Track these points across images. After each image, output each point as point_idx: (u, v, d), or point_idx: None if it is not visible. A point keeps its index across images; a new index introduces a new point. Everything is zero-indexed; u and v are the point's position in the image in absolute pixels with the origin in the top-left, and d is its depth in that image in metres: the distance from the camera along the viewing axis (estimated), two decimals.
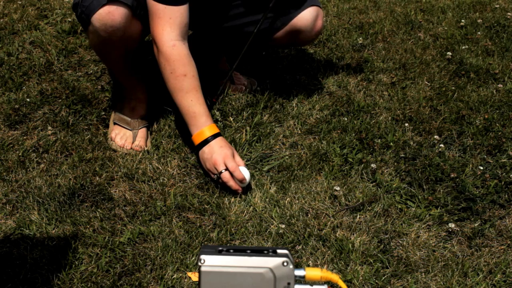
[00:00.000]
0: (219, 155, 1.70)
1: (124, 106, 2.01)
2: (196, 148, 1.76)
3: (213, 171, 1.72)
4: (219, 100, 2.10)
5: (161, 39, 1.70)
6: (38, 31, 2.58)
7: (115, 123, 1.99)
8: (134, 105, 2.00)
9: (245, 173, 1.72)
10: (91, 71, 2.32)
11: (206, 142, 1.73)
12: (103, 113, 2.08)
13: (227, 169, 1.69)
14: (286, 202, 1.72)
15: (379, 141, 2.01)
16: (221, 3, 1.96)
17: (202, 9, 1.89)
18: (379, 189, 1.80)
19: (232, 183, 1.70)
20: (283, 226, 1.63)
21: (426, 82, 2.40)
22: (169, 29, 1.69)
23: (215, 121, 1.99)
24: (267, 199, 1.73)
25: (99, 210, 1.65)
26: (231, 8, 1.98)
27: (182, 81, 1.72)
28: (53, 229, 1.59)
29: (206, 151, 1.73)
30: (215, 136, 1.73)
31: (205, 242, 1.57)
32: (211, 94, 2.05)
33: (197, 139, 1.75)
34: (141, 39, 1.87)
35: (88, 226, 1.60)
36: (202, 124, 1.74)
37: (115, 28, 1.68)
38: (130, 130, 1.96)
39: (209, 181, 1.78)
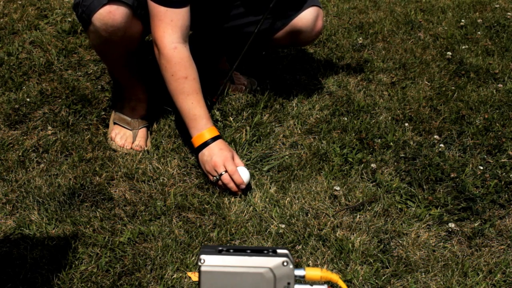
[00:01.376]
0: (219, 157, 1.70)
1: (124, 106, 2.01)
2: (196, 151, 1.76)
3: (213, 173, 1.72)
4: (219, 100, 2.10)
5: (163, 41, 1.70)
6: (38, 31, 2.58)
7: (115, 123, 1.99)
8: (134, 105, 2.00)
9: (245, 173, 1.72)
10: (91, 71, 2.32)
11: (205, 144, 1.73)
12: (103, 113, 2.08)
13: (227, 171, 1.69)
14: (286, 202, 1.72)
15: (379, 141, 2.01)
16: (221, 4, 1.96)
17: (202, 10, 1.89)
18: (379, 189, 1.80)
19: (232, 185, 1.70)
20: (283, 226, 1.63)
21: (426, 82, 2.40)
22: (171, 31, 1.69)
23: (215, 121, 1.99)
24: (267, 199, 1.73)
25: (99, 210, 1.65)
26: (232, 9, 1.98)
27: (183, 84, 1.72)
28: (53, 229, 1.59)
29: (205, 153, 1.73)
30: (215, 138, 1.74)
31: (205, 242, 1.57)
32: (211, 94, 2.05)
33: (196, 141, 1.75)
34: (142, 39, 1.87)
35: (88, 226, 1.60)
36: (202, 127, 1.74)
37: (115, 28, 1.68)
38: (130, 130, 1.96)
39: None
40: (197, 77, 1.76)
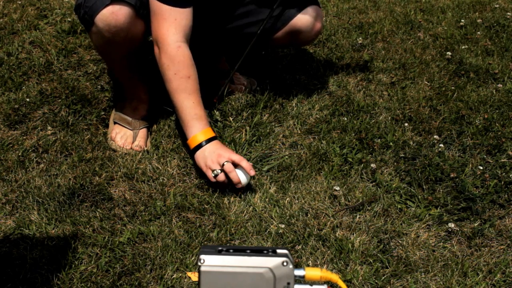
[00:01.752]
0: (222, 151, 1.70)
1: (125, 106, 2.01)
2: (194, 149, 1.76)
3: (210, 171, 1.70)
4: (219, 100, 2.10)
5: (166, 39, 1.70)
6: (37, 31, 2.58)
7: (115, 122, 1.99)
8: (136, 105, 2.00)
9: (245, 173, 1.72)
10: (91, 70, 2.32)
11: (200, 146, 1.73)
12: (103, 113, 2.08)
13: (222, 169, 1.69)
14: (286, 202, 1.72)
15: (378, 141, 2.01)
16: (224, 5, 1.96)
17: (206, 11, 1.89)
18: (378, 189, 1.80)
19: (234, 174, 1.68)
20: (283, 226, 1.63)
21: (426, 82, 2.40)
22: (174, 30, 1.69)
23: (215, 121, 1.99)
24: (267, 199, 1.73)
25: (99, 210, 1.65)
26: (233, 10, 1.98)
27: (186, 83, 1.72)
28: (53, 229, 1.59)
29: (200, 155, 1.73)
30: (211, 139, 1.73)
31: (205, 242, 1.57)
32: (212, 94, 2.05)
33: (192, 143, 1.74)
34: (144, 39, 1.87)
35: (88, 226, 1.60)
36: (202, 127, 1.74)
37: (118, 28, 1.68)
38: (131, 130, 1.96)
39: (209, 181, 1.78)
40: (197, 78, 1.76)
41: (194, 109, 1.73)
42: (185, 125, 1.76)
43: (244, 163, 1.69)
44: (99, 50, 1.88)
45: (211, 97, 2.04)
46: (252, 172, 1.69)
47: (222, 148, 1.72)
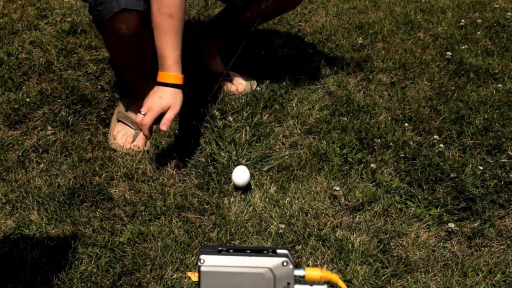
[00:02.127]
0: (163, 99, 1.69)
1: (131, 105, 2.01)
2: (156, 83, 1.74)
3: (141, 109, 1.70)
4: (219, 99, 2.10)
5: None
6: (38, 31, 2.58)
7: (119, 120, 1.99)
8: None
9: (245, 173, 1.72)
10: (91, 70, 2.32)
11: (165, 85, 1.70)
12: (103, 113, 2.08)
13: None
14: (286, 202, 1.72)
15: (379, 141, 2.01)
16: None
17: None
18: (379, 189, 1.80)
19: (144, 128, 1.69)
20: (283, 226, 1.63)
21: (426, 82, 2.40)
22: None
23: (215, 121, 1.99)
24: (267, 199, 1.73)
25: (99, 210, 1.65)
26: None
27: (165, 21, 1.68)
28: (53, 229, 1.59)
29: (155, 90, 1.71)
30: (174, 86, 1.70)
31: (205, 242, 1.57)
32: (208, 93, 2.05)
33: (161, 77, 1.72)
34: (151, 39, 1.87)
35: (88, 226, 1.60)
36: (169, 68, 1.70)
37: (129, 33, 1.70)
38: (134, 129, 1.96)
39: (209, 181, 1.78)
40: (182, 18, 1.71)
41: (165, 49, 1.69)
42: (158, 59, 1.73)
43: (144, 128, 1.68)
44: (108, 48, 1.92)
45: (206, 95, 2.03)
46: (164, 127, 1.68)
47: (170, 98, 1.69)
